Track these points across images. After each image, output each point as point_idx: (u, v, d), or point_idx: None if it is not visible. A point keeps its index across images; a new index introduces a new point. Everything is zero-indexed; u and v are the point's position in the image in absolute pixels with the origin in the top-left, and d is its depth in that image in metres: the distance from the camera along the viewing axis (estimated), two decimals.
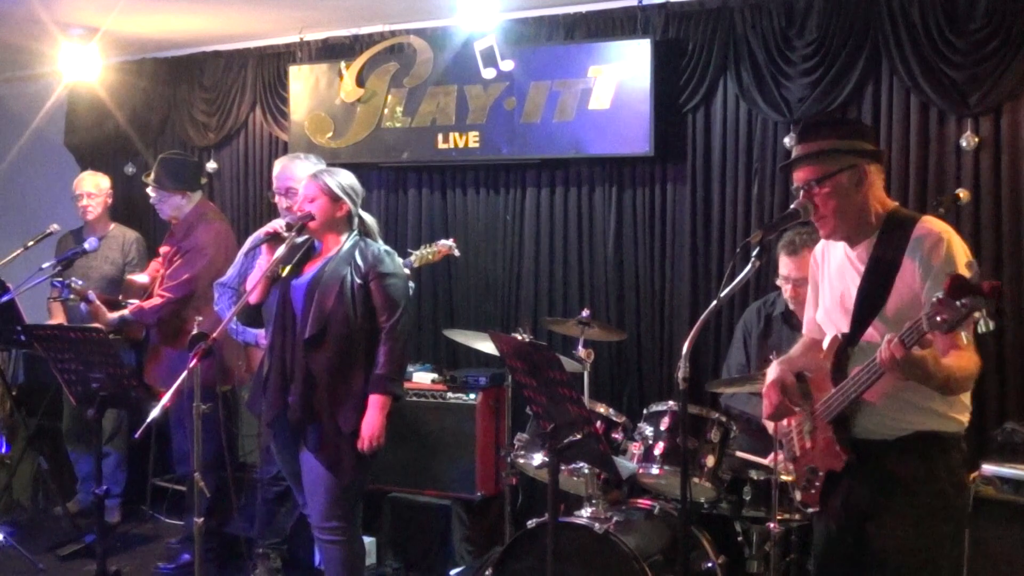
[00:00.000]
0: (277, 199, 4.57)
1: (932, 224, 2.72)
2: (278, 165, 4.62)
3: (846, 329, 2.79)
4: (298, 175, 4.38)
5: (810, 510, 2.97)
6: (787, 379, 2.88)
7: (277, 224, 3.96)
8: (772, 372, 2.93)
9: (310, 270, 3.86)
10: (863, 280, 2.77)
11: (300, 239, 3.89)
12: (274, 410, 3.85)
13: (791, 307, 4.03)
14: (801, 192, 2.81)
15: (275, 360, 3.85)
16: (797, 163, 2.82)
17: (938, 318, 2.32)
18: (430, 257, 4.66)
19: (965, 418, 2.78)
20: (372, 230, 3.97)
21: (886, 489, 2.74)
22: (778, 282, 4.05)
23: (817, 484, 2.90)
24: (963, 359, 2.59)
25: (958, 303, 2.27)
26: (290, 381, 3.80)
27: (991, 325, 2.29)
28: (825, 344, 2.89)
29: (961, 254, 2.67)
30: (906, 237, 2.71)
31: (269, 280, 3.87)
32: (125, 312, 5.07)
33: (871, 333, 2.73)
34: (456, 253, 4.72)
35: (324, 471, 3.76)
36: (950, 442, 2.74)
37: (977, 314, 2.25)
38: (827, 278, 2.94)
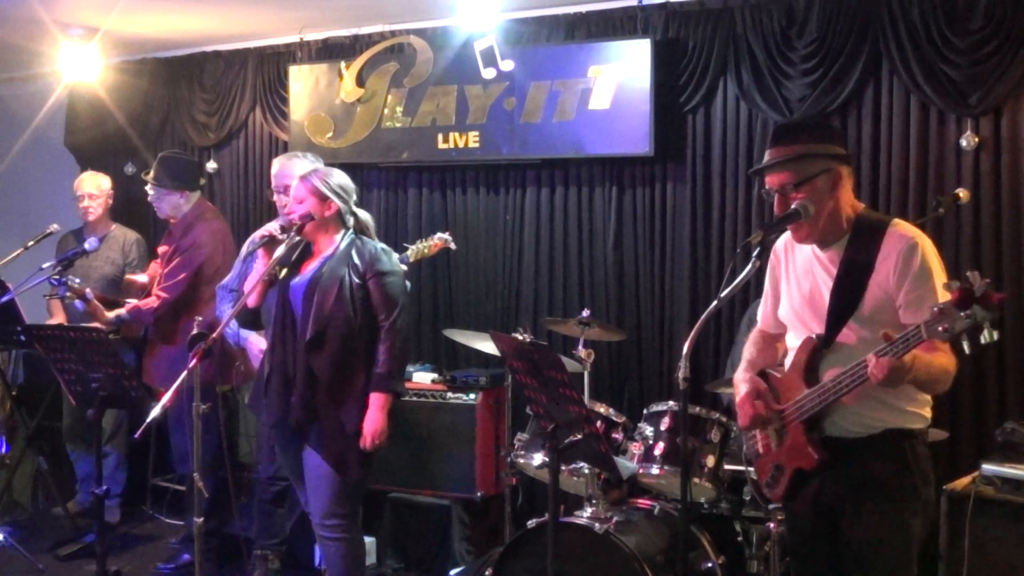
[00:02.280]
0: (276, 197, 4.58)
1: (905, 228, 2.79)
2: (276, 164, 4.63)
3: (817, 329, 2.84)
4: (296, 173, 4.37)
5: (772, 506, 3.01)
6: (761, 387, 2.93)
7: (272, 227, 3.97)
8: (744, 385, 2.97)
9: (307, 270, 3.86)
10: (837, 282, 2.81)
11: (297, 240, 3.90)
12: (276, 411, 3.86)
13: None
14: (775, 196, 2.83)
15: (276, 361, 3.85)
16: (771, 167, 2.84)
17: (940, 327, 2.38)
18: (426, 251, 4.66)
19: (929, 413, 2.86)
20: (368, 227, 3.97)
21: (860, 486, 2.79)
22: None
23: (783, 482, 2.94)
24: (943, 358, 2.66)
25: (962, 313, 2.32)
26: (292, 382, 3.80)
27: (995, 335, 2.35)
28: (792, 343, 2.93)
29: (935, 259, 2.74)
30: (877, 239, 2.77)
31: (267, 283, 3.88)
32: (122, 312, 5.07)
33: (845, 334, 2.79)
34: (452, 246, 4.72)
35: (328, 469, 3.77)
36: (918, 437, 2.82)
37: (984, 325, 2.31)
38: (793, 276, 2.97)
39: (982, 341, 2.36)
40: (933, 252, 2.75)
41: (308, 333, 3.74)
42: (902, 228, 2.79)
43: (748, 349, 3.13)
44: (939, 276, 2.71)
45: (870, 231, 2.79)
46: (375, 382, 3.77)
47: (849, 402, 2.75)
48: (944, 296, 2.61)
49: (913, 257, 2.70)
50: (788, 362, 2.95)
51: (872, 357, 2.55)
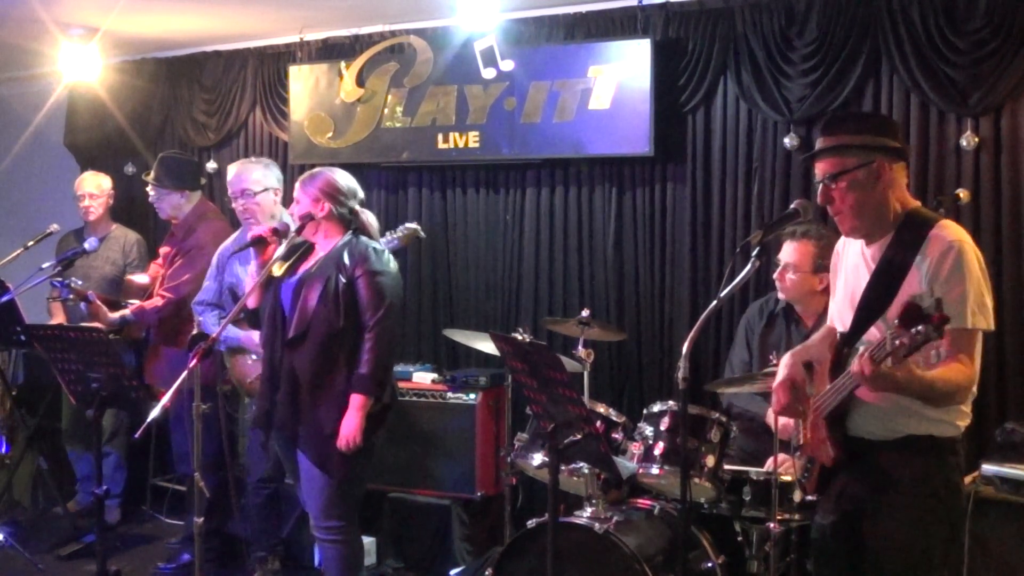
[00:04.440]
0: (234, 204, 4.58)
1: (948, 230, 2.70)
2: (232, 170, 4.65)
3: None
4: (252, 178, 4.50)
5: (808, 498, 2.99)
6: (797, 376, 2.87)
7: (261, 228, 3.98)
8: (783, 369, 2.93)
9: (301, 270, 3.87)
10: (871, 280, 2.76)
11: (300, 240, 3.90)
12: (263, 408, 3.87)
13: (780, 295, 4.04)
14: (821, 185, 2.80)
15: (266, 359, 3.87)
16: (818, 155, 2.81)
17: (897, 342, 2.31)
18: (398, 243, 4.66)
19: (963, 423, 2.77)
20: (371, 228, 3.96)
21: (881, 487, 2.75)
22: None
23: (814, 475, 2.94)
24: (952, 371, 2.59)
25: (912, 330, 2.26)
26: (278, 380, 3.81)
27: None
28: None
29: (974, 264, 2.65)
30: (920, 239, 2.69)
31: (263, 284, 3.88)
32: (126, 312, 5.07)
33: (873, 333, 2.73)
34: (422, 234, 4.70)
35: (316, 470, 3.77)
36: (945, 445, 2.75)
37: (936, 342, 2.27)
38: (843, 272, 2.94)
39: (932, 360, 2.39)
40: (975, 257, 2.66)
41: (291, 332, 3.74)
42: (947, 230, 2.69)
43: (815, 334, 3.10)
44: (975, 281, 2.63)
45: (914, 230, 2.71)
46: (355, 382, 3.72)
47: (872, 402, 2.71)
48: (962, 306, 2.58)
49: (947, 260, 2.62)
50: None
51: (860, 350, 2.50)
